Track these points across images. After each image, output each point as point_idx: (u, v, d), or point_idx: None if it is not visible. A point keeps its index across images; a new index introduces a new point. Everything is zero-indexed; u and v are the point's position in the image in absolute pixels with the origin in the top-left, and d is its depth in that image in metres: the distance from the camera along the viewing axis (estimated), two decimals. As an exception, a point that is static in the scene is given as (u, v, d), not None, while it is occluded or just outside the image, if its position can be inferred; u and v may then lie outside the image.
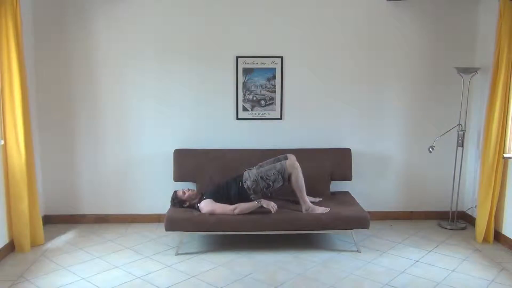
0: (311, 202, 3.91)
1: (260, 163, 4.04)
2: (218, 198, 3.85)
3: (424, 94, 4.63)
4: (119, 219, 4.60)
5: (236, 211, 3.73)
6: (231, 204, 3.80)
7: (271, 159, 4.06)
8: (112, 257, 3.75)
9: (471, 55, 4.58)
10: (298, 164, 3.86)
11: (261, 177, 3.86)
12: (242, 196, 3.87)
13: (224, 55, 4.46)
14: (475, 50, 4.58)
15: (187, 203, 3.93)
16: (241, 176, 3.95)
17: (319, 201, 4.08)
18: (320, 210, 3.80)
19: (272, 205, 3.73)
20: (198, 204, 3.88)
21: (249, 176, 3.91)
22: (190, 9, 4.38)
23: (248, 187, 3.87)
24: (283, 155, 4.05)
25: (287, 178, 3.83)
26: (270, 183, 3.83)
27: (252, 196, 3.86)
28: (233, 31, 4.44)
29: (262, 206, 3.72)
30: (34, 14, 4.29)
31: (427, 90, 4.62)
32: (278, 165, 3.88)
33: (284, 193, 3.97)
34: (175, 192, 4.01)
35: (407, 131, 4.67)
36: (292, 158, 3.98)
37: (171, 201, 3.99)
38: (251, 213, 3.74)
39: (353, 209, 3.89)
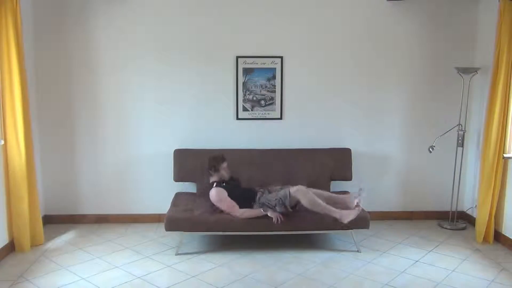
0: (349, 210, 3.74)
1: (269, 188, 3.97)
2: (231, 194, 3.81)
3: (424, 94, 4.63)
4: (119, 219, 4.60)
5: (243, 216, 3.70)
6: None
7: (279, 187, 3.96)
8: (112, 257, 3.75)
9: (471, 55, 4.58)
10: (304, 188, 3.70)
11: (263, 203, 3.79)
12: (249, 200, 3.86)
13: (224, 55, 4.46)
14: (475, 50, 4.58)
15: (218, 175, 3.89)
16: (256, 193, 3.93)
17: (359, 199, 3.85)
18: (352, 214, 3.64)
19: (275, 215, 3.67)
20: (211, 189, 3.84)
21: (259, 198, 3.87)
22: (190, 9, 4.38)
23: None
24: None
25: (290, 204, 3.70)
26: (272, 207, 3.76)
27: (255, 205, 3.83)
28: (233, 31, 4.44)
29: (267, 215, 3.70)
30: (34, 14, 4.29)
31: (427, 90, 4.62)
32: (281, 192, 3.77)
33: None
34: (217, 155, 3.94)
35: (407, 131, 4.67)
36: (298, 186, 3.76)
37: (208, 162, 3.93)
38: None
39: (353, 209, 3.87)
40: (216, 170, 3.93)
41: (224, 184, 3.89)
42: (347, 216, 3.64)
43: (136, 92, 4.46)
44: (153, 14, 4.37)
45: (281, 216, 3.68)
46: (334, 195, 3.95)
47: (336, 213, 3.65)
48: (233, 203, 3.76)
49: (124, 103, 4.47)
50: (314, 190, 3.82)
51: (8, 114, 3.67)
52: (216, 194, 3.78)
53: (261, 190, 3.97)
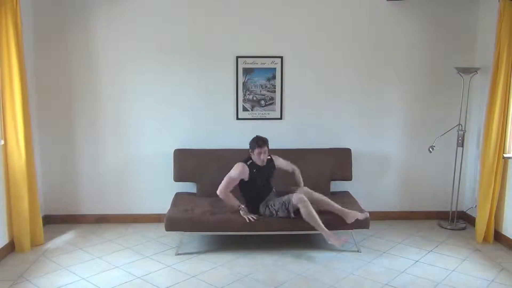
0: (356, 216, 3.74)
1: (280, 191, 3.96)
2: (250, 182, 3.81)
3: (424, 94, 4.63)
4: (119, 219, 4.60)
5: (223, 196, 3.74)
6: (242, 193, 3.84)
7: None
8: (112, 257, 3.75)
9: (471, 55, 4.58)
10: (306, 198, 3.69)
11: (267, 205, 3.81)
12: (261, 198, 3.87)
13: (224, 55, 4.46)
14: (475, 50, 4.58)
15: (252, 156, 3.85)
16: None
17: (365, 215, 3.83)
18: (339, 241, 3.66)
19: (247, 216, 3.70)
20: (242, 161, 3.84)
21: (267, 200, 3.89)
22: (190, 9, 4.38)
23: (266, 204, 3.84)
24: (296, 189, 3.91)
25: (292, 211, 3.69)
26: (274, 212, 3.76)
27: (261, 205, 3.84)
28: (233, 31, 4.44)
29: (239, 212, 3.74)
30: (34, 14, 4.29)
31: (427, 90, 4.62)
32: (285, 197, 3.77)
33: None
34: (257, 139, 3.86)
35: (407, 131, 4.67)
36: (302, 192, 3.81)
37: (252, 140, 3.87)
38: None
39: (353, 209, 3.88)
40: (251, 151, 3.87)
41: (255, 170, 3.83)
42: (335, 240, 3.64)
43: (136, 92, 4.46)
44: (153, 14, 4.37)
45: (252, 217, 3.70)
46: (335, 206, 3.78)
47: (324, 231, 3.65)
48: (231, 185, 3.77)
49: (124, 103, 4.47)
50: (317, 195, 3.81)
51: (8, 114, 3.67)
52: (240, 169, 3.78)
53: (273, 189, 3.97)
